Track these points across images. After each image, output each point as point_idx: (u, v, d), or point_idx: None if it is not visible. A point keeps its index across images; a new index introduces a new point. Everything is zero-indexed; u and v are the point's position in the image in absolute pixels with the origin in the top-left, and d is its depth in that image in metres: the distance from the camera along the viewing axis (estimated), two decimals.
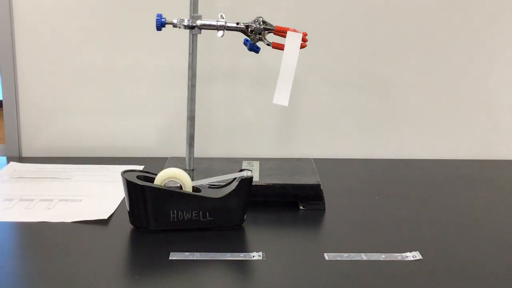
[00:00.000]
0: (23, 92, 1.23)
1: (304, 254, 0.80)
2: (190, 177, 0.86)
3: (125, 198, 0.86)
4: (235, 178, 0.87)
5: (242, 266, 0.76)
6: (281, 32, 0.94)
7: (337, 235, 0.88)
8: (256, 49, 0.95)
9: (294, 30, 0.93)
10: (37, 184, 1.05)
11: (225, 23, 0.95)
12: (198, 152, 1.06)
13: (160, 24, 0.94)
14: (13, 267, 0.75)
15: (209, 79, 1.22)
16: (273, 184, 0.96)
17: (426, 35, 1.23)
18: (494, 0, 1.22)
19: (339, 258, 0.78)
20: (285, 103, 0.93)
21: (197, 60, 1.00)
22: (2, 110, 1.23)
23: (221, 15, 0.95)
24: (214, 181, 0.88)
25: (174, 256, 0.78)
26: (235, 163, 1.07)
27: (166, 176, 0.85)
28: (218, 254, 0.78)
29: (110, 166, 1.16)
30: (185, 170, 0.96)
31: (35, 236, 0.85)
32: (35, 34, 1.20)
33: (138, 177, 0.86)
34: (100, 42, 1.21)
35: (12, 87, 1.22)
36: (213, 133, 1.26)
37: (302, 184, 0.97)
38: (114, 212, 0.93)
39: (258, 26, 0.94)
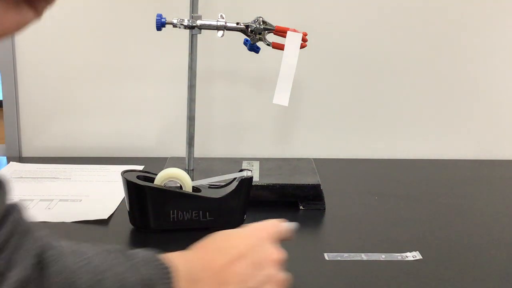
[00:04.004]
0: (23, 92, 1.23)
1: (304, 254, 0.80)
2: (190, 177, 0.86)
3: (125, 198, 0.86)
4: (235, 178, 0.87)
5: None
6: (281, 32, 0.94)
7: (337, 235, 0.88)
8: (256, 49, 0.95)
9: (294, 30, 0.93)
10: (37, 184, 1.05)
11: (225, 23, 0.94)
12: (198, 152, 1.06)
13: (160, 24, 0.94)
14: None
15: (209, 79, 1.22)
16: (273, 184, 0.96)
17: (426, 34, 1.23)
18: None
19: (339, 258, 0.78)
20: (285, 103, 0.93)
21: (197, 60, 1.00)
22: (2, 110, 1.23)
23: (221, 15, 0.95)
24: (214, 181, 0.88)
25: None
26: (235, 163, 1.07)
27: (166, 176, 0.85)
28: None
29: (110, 166, 1.16)
30: (185, 170, 0.96)
31: None
32: (35, 34, 1.20)
33: (138, 177, 0.86)
34: (100, 42, 1.21)
35: (12, 87, 1.22)
36: (213, 133, 1.26)
37: (302, 184, 0.97)
38: (114, 212, 0.93)
39: (258, 26, 0.94)
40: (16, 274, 0.46)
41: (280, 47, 0.93)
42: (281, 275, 0.63)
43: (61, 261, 0.51)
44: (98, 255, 0.53)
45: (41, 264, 0.48)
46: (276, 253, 0.64)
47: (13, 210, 0.48)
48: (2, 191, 0.46)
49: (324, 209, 0.96)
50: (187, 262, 0.61)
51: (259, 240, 0.64)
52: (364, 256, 0.79)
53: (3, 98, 1.22)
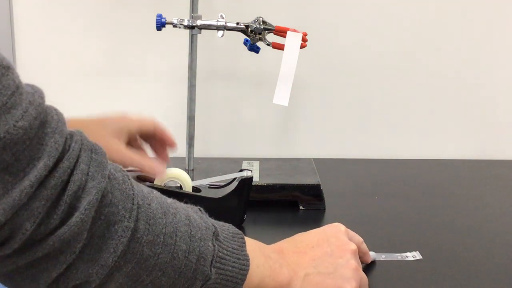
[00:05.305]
0: None
1: None
2: (190, 177, 0.86)
3: None
4: (235, 178, 0.87)
5: None
6: (281, 32, 0.94)
7: None
8: (256, 49, 0.95)
9: (294, 30, 0.93)
10: None
11: (225, 23, 0.94)
12: (198, 152, 1.06)
13: (160, 24, 0.94)
14: None
15: (209, 79, 1.22)
16: (273, 184, 0.96)
17: (426, 34, 1.23)
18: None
19: None
20: (285, 103, 0.93)
21: (197, 60, 1.00)
22: None
23: (221, 15, 0.95)
24: (214, 181, 0.88)
25: None
26: (235, 163, 1.07)
27: (166, 176, 0.85)
28: None
29: None
30: (185, 170, 0.96)
31: None
32: (35, 33, 1.20)
33: (138, 177, 0.86)
34: (100, 42, 1.21)
35: None
36: (213, 133, 1.26)
37: (302, 184, 0.97)
38: None
39: (258, 26, 0.94)
40: (94, 186, 0.49)
41: (280, 47, 0.93)
42: (354, 263, 0.67)
43: (135, 184, 0.55)
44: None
45: (113, 181, 0.52)
46: (350, 244, 0.69)
47: (75, 133, 0.51)
48: (61, 117, 0.50)
49: (324, 209, 0.96)
50: (257, 243, 0.65)
51: (333, 233, 0.70)
52: None
53: None
